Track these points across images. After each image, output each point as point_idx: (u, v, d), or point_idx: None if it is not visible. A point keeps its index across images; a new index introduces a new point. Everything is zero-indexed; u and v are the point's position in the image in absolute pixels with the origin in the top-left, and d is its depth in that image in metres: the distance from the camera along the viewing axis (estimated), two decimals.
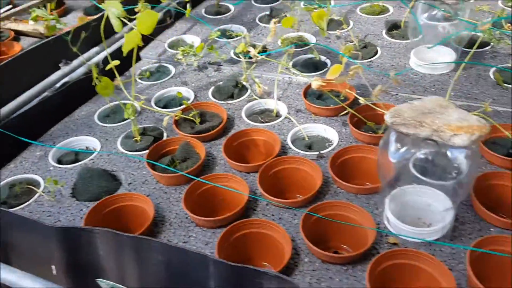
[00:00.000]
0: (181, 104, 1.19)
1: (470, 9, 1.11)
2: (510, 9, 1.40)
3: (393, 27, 1.39)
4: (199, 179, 0.89)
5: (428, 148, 0.70)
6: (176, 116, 1.10)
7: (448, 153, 0.69)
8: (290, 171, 0.93)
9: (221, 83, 1.25)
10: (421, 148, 0.70)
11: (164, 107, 1.21)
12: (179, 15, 1.63)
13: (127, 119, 1.15)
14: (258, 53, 1.01)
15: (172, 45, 1.48)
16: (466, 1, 1.09)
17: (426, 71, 1.19)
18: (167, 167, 0.94)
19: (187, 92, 1.25)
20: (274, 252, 0.79)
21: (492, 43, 1.25)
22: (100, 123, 1.17)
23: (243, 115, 1.13)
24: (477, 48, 1.23)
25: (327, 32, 1.35)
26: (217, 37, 1.38)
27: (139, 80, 1.33)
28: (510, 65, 1.14)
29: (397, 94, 1.13)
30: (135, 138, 1.08)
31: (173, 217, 0.89)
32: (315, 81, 0.95)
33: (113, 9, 0.78)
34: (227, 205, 0.89)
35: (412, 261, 0.70)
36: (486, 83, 1.12)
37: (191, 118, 1.09)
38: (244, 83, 1.23)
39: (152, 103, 1.22)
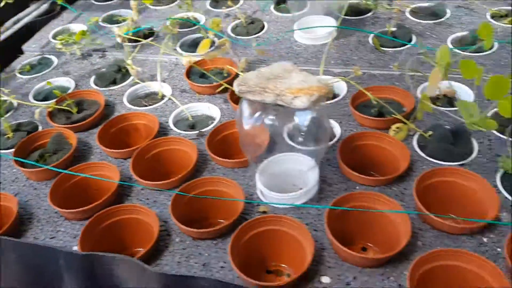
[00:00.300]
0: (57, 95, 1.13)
1: None
2: None
3: (280, 1, 1.38)
4: (65, 171, 0.84)
5: (277, 113, 0.69)
6: (49, 107, 1.03)
7: (295, 118, 0.69)
8: (167, 153, 0.89)
9: (104, 69, 1.19)
10: (270, 113, 0.69)
11: (44, 99, 1.13)
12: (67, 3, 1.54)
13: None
14: (125, 32, 0.96)
15: (58, 36, 1.39)
16: None
17: (308, 42, 1.19)
18: (34, 163, 0.88)
19: (68, 82, 1.18)
20: (145, 236, 0.75)
21: (373, 10, 1.27)
22: None
23: (124, 100, 1.08)
24: (359, 15, 1.28)
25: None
26: (102, 22, 1.31)
27: (19, 75, 1.25)
28: (387, 29, 1.16)
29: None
30: (7, 135, 1.01)
31: (42, 213, 0.83)
32: (185, 58, 0.93)
33: None
34: (101, 195, 0.84)
35: (275, 226, 0.70)
36: (366, 48, 1.14)
37: (67, 108, 1.03)
38: (128, 67, 1.18)
39: (31, 97, 1.14)
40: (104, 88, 1.14)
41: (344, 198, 0.71)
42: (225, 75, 1.08)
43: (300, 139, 0.72)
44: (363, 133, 0.85)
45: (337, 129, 0.91)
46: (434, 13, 1.21)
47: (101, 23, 1.42)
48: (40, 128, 1.03)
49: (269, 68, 0.70)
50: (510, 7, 1.18)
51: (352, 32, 1.20)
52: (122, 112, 1.04)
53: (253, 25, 1.28)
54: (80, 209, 0.79)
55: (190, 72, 1.11)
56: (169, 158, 0.90)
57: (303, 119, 0.69)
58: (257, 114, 0.69)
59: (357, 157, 0.83)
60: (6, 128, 1.01)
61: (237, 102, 0.99)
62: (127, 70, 1.17)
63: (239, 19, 1.31)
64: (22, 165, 0.91)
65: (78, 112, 1.04)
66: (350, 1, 1.30)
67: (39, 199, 0.86)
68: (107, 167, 0.87)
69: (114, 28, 0.94)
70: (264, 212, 0.76)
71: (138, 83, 1.13)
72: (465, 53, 1.04)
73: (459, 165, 0.79)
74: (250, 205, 0.78)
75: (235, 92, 0.68)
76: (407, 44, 1.11)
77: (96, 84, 1.16)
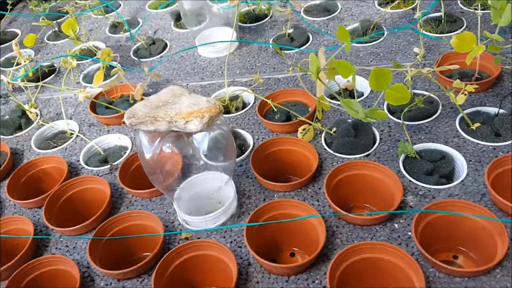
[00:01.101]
0: None
1: None
2: None
3: (179, 18, 1.38)
4: None
5: (169, 140, 0.69)
6: None
7: (193, 140, 0.69)
8: (80, 194, 0.87)
9: (7, 117, 1.13)
10: (168, 140, 0.69)
11: None
12: None
13: None
14: (18, 76, 0.91)
15: None
16: None
17: (212, 55, 1.20)
18: None
19: None
20: (67, 285, 0.73)
21: (269, 14, 1.30)
22: None
23: (32, 145, 1.03)
24: (257, 21, 1.30)
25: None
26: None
27: None
28: (284, 32, 1.19)
29: (187, 84, 1.12)
30: None
31: None
32: (80, 94, 0.90)
33: None
34: (20, 250, 0.80)
35: (198, 251, 0.70)
36: (267, 54, 1.16)
37: None
38: (33, 109, 1.13)
39: None
40: (10, 136, 1.08)
41: (261, 210, 0.72)
42: (132, 101, 1.07)
43: (205, 158, 0.73)
44: (273, 139, 0.86)
45: (249, 139, 0.92)
46: (326, 9, 1.26)
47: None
48: None
49: (157, 96, 0.69)
50: None
51: (253, 39, 1.23)
52: (30, 159, 1.00)
53: (155, 46, 1.27)
54: None
55: (95, 105, 1.08)
56: (83, 199, 0.87)
57: (201, 140, 0.69)
58: (156, 143, 0.68)
59: (272, 163, 0.85)
60: None
61: None
62: (31, 113, 1.12)
63: (140, 41, 1.29)
64: None
65: None
66: (245, 8, 1.33)
67: None
68: (21, 221, 0.82)
69: (2, 77, 0.89)
70: (187, 239, 0.76)
71: (44, 125, 1.08)
72: (361, 45, 1.09)
73: (364, 156, 0.83)
74: (173, 235, 0.78)
75: (125, 121, 0.67)
76: (303, 45, 1.15)
77: (2, 134, 1.09)
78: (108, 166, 0.93)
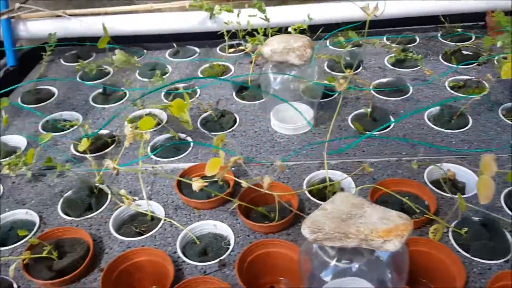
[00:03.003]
0: (23, 236, 0.94)
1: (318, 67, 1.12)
2: (343, 50, 1.48)
3: (242, 88, 1.34)
4: None
5: (359, 260, 0.63)
6: (24, 260, 0.84)
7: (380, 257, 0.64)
8: None
9: (70, 193, 1.02)
10: (352, 260, 0.63)
11: (2, 244, 0.93)
12: None
13: None
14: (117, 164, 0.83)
15: None
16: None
17: (289, 132, 1.16)
18: None
19: (29, 215, 0.99)
20: None
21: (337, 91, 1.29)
22: None
23: (111, 230, 0.93)
24: (324, 98, 1.28)
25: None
26: (43, 130, 1.14)
27: None
28: (363, 110, 1.18)
29: (272, 164, 1.07)
30: None
31: None
32: (195, 183, 0.83)
33: None
34: None
35: None
36: (348, 133, 1.14)
37: (47, 255, 0.85)
38: (100, 185, 1.03)
39: None
40: (79, 218, 0.97)
41: None
42: (221, 183, 1.00)
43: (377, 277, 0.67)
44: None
45: None
46: (398, 89, 1.27)
47: (41, 130, 1.24)
48: (15, 286, 0.84)
49: (333, 204, 0.64)
50: (465, 77, 1.29)
51: (327, 116, 1.20)
52: (113, 247, 0.90)
53: (225, 118, 1.22)
54: None
55: (180, 184, 1.01)
56: None
57: (388, 260, 0.64)
58: (333, 260, 0.62)
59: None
60: None
61: (246, 216, 0.92)
62: (100, 191, 1.03)
63: (206, 112, 1.23)
64: None
65: (59, 257, 0.87)
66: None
67: None
68: None
69: (107, 161, 0.81)
70: None
71: (120, 206, 0.98)
72: (446, 130, 1.10)
73: (504, 262, 0.80)
74: None
75: (307, 239, 0.61)
76: (388, 126, 1.14)
77: (67, 214, 0.98)
78: (216, 261, 0.85)
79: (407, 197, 0.90)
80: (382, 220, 0.61)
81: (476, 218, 0.86)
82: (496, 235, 0.83)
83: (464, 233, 0.83)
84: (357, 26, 1.35)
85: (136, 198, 0.96)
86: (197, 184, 0.83)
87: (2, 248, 0.91)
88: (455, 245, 0.83)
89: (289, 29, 1.21)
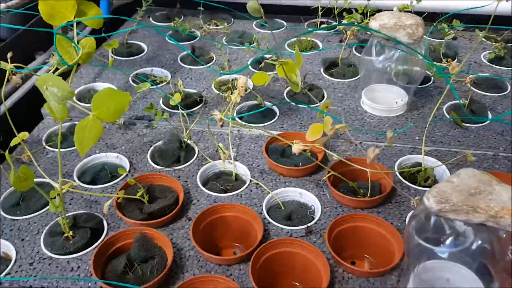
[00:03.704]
0: (113, 177, 0.97)
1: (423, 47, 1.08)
2: (440, 40, 1.42)
3: (331, 65, 1.32)
4: None
5: (483, 236, 0.60)
6: (118, 198, 0.87)
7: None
8: (284, 256, 0.77)
9: (160, 143, 1.04)
10: (476, 236, 0.60)
11: (92, 182, 0.96)
12: None
13: (45, 205, 0.90)
14: (225, 115, 0.83)
15: (82, 97, 1.22)
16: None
17: (381, 113, 1.13)
18: (129, 286, 0.72)
19: (119, 159, 1.02)
20: None
21: (433, 79, 1.24)
22: (8, 216, 0.88)
23: (199, 183, 0.95)
24: (420, 84, 1.24)
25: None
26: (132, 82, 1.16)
27: (48, 148, 1.06)
28: (458, 101, 1.13)
29: (360, 142, 1.05)
30: (66, 235, 0.83)
31: None
32: (296, 145, 0.82)
33: (55, 90, 0.56)
34: None
35: None
36: (444, 123, 1.10)
37: (139, 198, 0.88)
38: (188, 141, 1.05)
39: (75, 178, 0.96)
40: (167, 168, 0.99)
41: None
42: (309, 153, 0.99)
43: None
44: None
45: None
46: (497, 85, 1.21)
47: (131, 82, 1.27)
48: (105, 223, 0.86)
49: (460, 179, 0.61)
50: None
51: (420, 103, 1.16)
52: (200, 200, 0.91)
53: (312, 92, 1.20)
54: None
55: (268, 149, 1.00)
56: (284, 264, 0.77)
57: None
58: (451, 238, 0.60)
59: None
60: (63, 225, 0.83)
61: (334, 186, 0.90)
62: (187, 145, 1.04)
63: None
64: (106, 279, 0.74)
65: (149, 202, 0.89)
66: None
67: None
68: (222, 282, 0.72)
69: (215, 112, 0.81)
70: None
71: (209, 161, 0.99)
72: None
73: None
74: None
75: (430, 210, 0.58)
76: (486, 121, 1.09)
77: (155, 163, 1.00)
78: (304, 227, 0.84)
79: None
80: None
81: None
82: None
83: None
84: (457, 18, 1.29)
85: (219, 158, 0.98)
86: (297, 147, 0.82)
87: (94, 187, 0.94)
88: None
89: (394, 9, 1.17)
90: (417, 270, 0.70)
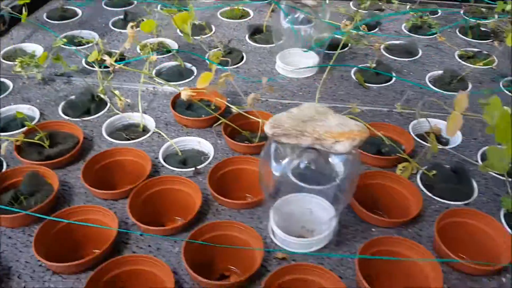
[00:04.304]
0: (24, 126, 1.01)
1: (329, 12, 1.13)
2: (364, 11, 1.48)
3: (255, 32, 1.37)
4: (50, 217, 0.73)
5: (309, 157, 0.66)
6: (17, 141, 0.91)
7: (330, 160, 0.66)
8: (166, 193, 0.82)
9: (73, 97, 1.08)
10: (302, 157, 0.66)
11: (3, 130, 1.00)
12: (14, 21, 1.39)
13: None
14: (115, 61, 0.88)
15: (8, 56, 1.26)
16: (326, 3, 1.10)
17: (292, 75, 1.18)
18: (8, 208, 0.76)
19: (31, 111, 1.05)
20: None
21: (350, 44, 1.30)
22: None
23: (103, 132, 0.99)
24: (336, 50, 1.29)
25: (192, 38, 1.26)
26: (64, 44, 1.20)
27: None
28: (368, 65, 1.19)
29: (266, 100, 1.10)
30: None
31: (22, 267, 0.72)
32: (184, 91, 0.87)
33: None
34: (95, 243, 0.75)
35: (303, 275, 0.66)
36: (349, 83, 1.16)
37: (38, 141, 0.92)
38: (102, 95, 1.09)
39: None
40: (76, 119, 1.03)
41: (371, 244, 0.69)
42: (213, 107, 1.03)
43: (335, 183, 0.70)
44: (373, 173, 0.84)
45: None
46: (407, 51, 1.27)
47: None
48: (5, 165, 0.90)
49: (300, 110, 0.67)
50: (475, 49, 1.27)
51: (333, 67, 1.22)
52: (102, 147, 0.95)
53: (232, 55, 1.25)
54: (76, 262, 0.69)
55: (174, 104, 1.05)
56: (168, 199, 0.83)
57: (335, 163, 0.67)
58: (288, 158, 0.66)
59: (366, 196, 0.82)
60: None
61: (231, 136, 0.95)
62: (101, 99, 1.08)
63: (217, 47, 1.27)
64: None
65: (50, 146, 0.93)
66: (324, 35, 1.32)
67: (16, 249, 0.75)
68: (97, 211, 0.78)
69: (106, 57, 0.86)
70: (284, 259, 0.72)
71: (117, 113, 1.04)
72: (445, 92, 1.10)
73: (464, 205, 0.81)
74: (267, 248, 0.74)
75: (267, 133, 0.64)
76: (389, 81, 1.15)
77: (66, 114, 1.04)
78: (193, 168, 0.89)
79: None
80: (339, 125, 0.63)
81: (448, 166, 0.87)
82: (462, 180, 0.84)
83: (432, 175, 0.84)
84: None
85: (131, 111, 1.02)
86: (185, 93, 0.86)
87: (3, 134, 0.98)
88: (420, 184, 0.85)
89: None
90: (277, 204, 0.76)
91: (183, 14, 0.93)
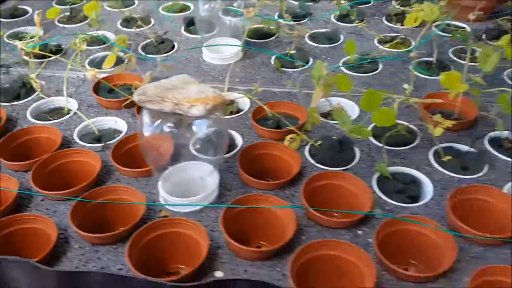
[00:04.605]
0: None
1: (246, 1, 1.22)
2: (295, 2, 1.55)
3: (191, 23, 1.45)
4: None
5: (175, 120, 0.74)
6: None
7: (193, 127, 0.74)
8: (69, 164, 0.90)
9: (7, 85, 1.17)
10: (168, 121, 0.74)
11: None
12: None
13: None
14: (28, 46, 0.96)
15: None
16: None
17: (216, 61, 1.26)
18: None
19: None
20: (41, 245, 0.75)
21: (276, 34, 1.38)
22: None
23: (28, 115, 1.07)
24: (264, 39, 1.37)
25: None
26: (7, 38, 1.29)
27: None
28: (287, 51, 1.26)
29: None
30: None
31: None
32: (89, 72, 0.95)
33: None
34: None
35: (173, 228, 0.73)
36: (268, 69, 1.23)
37: None
38: (33, 83, 1.17)
39: None
40: (6, 104, 1.11)
41: (240, 200, 0.76)
42: (133, 90, 1.11)
43: (198, 146, 0.77)
44: (261, 143, 0.92)
45: (239, 140, 0.97)
46: (330, 38, 1.34)
47: (6, 40, 1.40)
48: None
49: (169, 80, 0.75)
50: (394, 34, 1.35)
51: (257, 54, 1.29)
52: (24, 126, 1.03)
53: (163, 45, 1.33)
54: None
55: (98, 88, 1.13)
56: (72, 170, 0.90)
57: (200, 128, 0.74)
58: (156, 122, 0.73)
59: (255, 165, 0.89)
60: None
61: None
62: (31, 86, 1.16)
63: (150, 38, 1.35)
64: None
65: None
66: (255, 26, 1.40)
67: None
68: (6, 179, 0.85)
69: (17, 42, 0.94)
70: (165, 217, 0.80)
71: (43, 98, 1.12)
72: (355, 74, 1.17)
73: (343, 169, 0.88)
74: (152, 212, 0.81)
75: (134, 99, 0.71)
76: (304, 65, 1.22)
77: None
78: (102, 144, 0.97)
79: (284, 117, 0.98)
80: (198, 92, 0.71)
81: (335, 137, 0.94)
82: (345, 149, 0.91)
83: (318, 145, 0.91)
84: None
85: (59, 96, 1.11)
86: (91, 73, 0.94)
87: None
88: (307, 154, 0.92)
89: None
90: (165, 174, 0.83)
91: (92, 3, 1.02)
